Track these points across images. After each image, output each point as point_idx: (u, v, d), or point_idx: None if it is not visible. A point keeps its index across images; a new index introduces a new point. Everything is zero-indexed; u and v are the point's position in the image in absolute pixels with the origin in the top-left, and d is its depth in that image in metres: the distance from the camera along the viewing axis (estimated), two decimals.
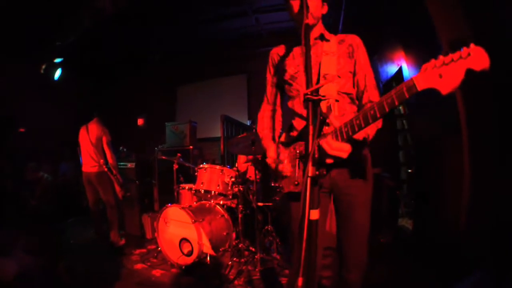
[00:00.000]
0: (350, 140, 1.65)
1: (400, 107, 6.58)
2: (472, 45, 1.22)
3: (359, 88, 2.10)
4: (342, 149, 1.63)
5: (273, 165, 2.18)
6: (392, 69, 5.96)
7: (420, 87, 1.33)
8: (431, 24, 3.61)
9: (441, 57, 1.28)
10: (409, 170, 6.29)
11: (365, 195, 2.08)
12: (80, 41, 7.41)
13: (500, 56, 2.88)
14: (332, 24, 7.51)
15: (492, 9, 3.03)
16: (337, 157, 1.65)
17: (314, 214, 1.25)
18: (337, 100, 2.02)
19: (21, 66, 7.41)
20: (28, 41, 7.24)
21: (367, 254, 2.09)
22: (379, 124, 1.93)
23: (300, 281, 1.19)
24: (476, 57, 1.21)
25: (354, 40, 2.13)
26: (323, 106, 1.80)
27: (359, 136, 1.75)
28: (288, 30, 8.14)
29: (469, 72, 1.23)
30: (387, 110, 1.45)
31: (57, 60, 8.01)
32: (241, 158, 6.05)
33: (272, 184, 2.22)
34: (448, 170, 3.74)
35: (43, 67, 7.95)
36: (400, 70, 5.49)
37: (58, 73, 8.27)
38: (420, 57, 4.67)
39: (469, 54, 1.22)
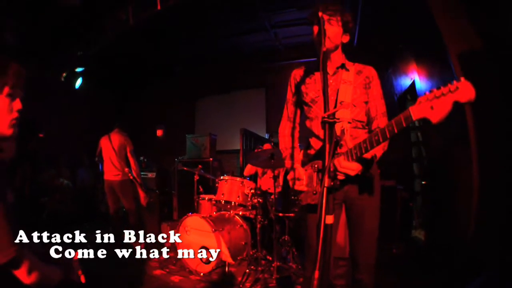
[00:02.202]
0: (359, 160, 1.89)
1: None
2: (462, 79, 1.41)
3: (370, 115, 2.32)
4: (350, 168, 1.88)
5: (293, 184, 2.36)
6: (406, 82, 6.04)
7: (415, 117, 1.57)
8: (441, 36, 3.70)
9: (434, 90, 1.49)
10: (423, 182, 6.34)
11: (374, 205, 2.29)
12: (102, 51, 7.55)
13: (509, 65, 2.98)
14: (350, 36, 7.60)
15: (500, 19, 3.11)
16: (346, 174, 1.92)
17: (329, 219, 1.43)
18: (349, 122, 2.22)
19: (42, 73, 7.56)
20: (50, 49, 7.44)
21: (375, 256, 2.29)
22: (385, 146, 2.14)
23: (316, 273, 1.37)
24: (463, 91, 1.41)
25: (371, 72, 2.34)
26: (338, 129, 2.06)
27: (367, 156, 1.95)
28: (305, 44, 8.22)
29: (456, 104, 1.43)
30: (388, 136, 1.69)
31: (78, 69, 8.19)
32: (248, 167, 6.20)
33: (292, 198, 2.39)
34: (461, 182, 3.78)
35: (64, 75, 8.13)
36: (413, 83, 5.58)
37: (79, 82, 8.46)
38: (431, 70, 4.77)
39: (457, 88, 1.42)
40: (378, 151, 2.09)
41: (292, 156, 2.54)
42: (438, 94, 1.47)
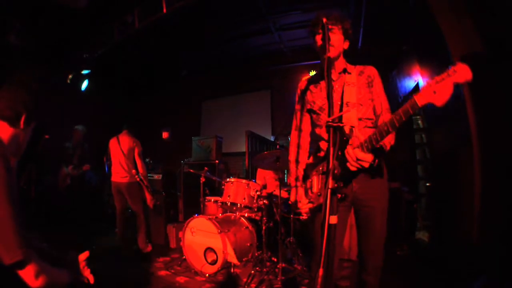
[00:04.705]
0: (370, 152, 1.95)
1: (419, 121, 6.70)
2: (458, 63, 1.52)
3: (376, 112, 2.37)
4: (364, 158, 1.93)
5: (293, 205, 2.48)
6: (410, 84, 6.06)
7: (420, 103, 1.66)
8: (444, 39, 3.74)
9: (435, 77, 1.59)
10: (428, 184, 6.35)
11: (382, 206, 2.33)
12: (108, 54, 7.57)
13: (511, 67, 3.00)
14: (351, 41, 7.62)
15: (502, 22, 3.14)
16: (360, 165, 1.96)
17: (333, 219, 1.49)
18: (360, 119, 2.30)
19: (48, 75, 7.59)
20: (56, 51, 7.46)
21: (382, 258, 2.33)
22: (392, 140, 2.18)
23: (321, 271, 1.42)
24: (460, 73, 1.51)
25: (371, 71, 2.42)
26: (347, 129, 2.09)
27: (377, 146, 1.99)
28: (310, 47, 8.16)
29: (456, 85, 1.54)
30: (397, 125, 1.78)
31: (85, 71, 8.21)
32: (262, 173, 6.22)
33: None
34: (465, 184, 3.77)
35: (70, 77, 8.14)
36: (417, 85, 5.59)
37: (85, 84, 8.45)
38: (434, 72, 4.73)
39: (455, 71, 1.52)
40: (385, 144, 2.13)
41: (296, 173, 2.63)
42: (439, 80, 1.58)
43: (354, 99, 2.30)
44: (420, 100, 1.64)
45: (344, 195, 2.03)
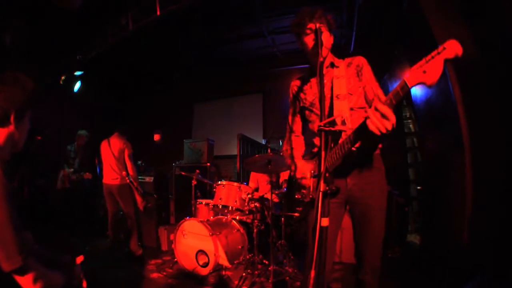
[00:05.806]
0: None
1: (411, 125, 6.74)
2: (447, 40, 1.48)
3: (368, 98, 2.33)
4: (389, 114, 1.68)
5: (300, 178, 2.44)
6: None
7: (410, 84, 1.60)
8: (436, 43, 3.74)
9: (423, 58, 1.54)
10: (419, 187, 6.39)
11: (380, 204, 2.29)
12: (101, 55, 7.55)
13: (503, 72, 3.02)
14: (344, 44, 7.68)
15: (494, 26, 3.16)
16: (383, 127, 1.69)
17: (325, 222, 1.48)
18: (351, 109, 2.27)
19: (41, 75, 7.55)
20: (50, 52, 7.44)
21: (380, 258, 2.28)
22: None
23: (312, 273, 1.42)
24: (450, 49, 1.46)
25: (360, 60, 2.41)
26: (338, 120, 2.06)
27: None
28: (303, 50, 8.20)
29: (446, 61, 1.49)
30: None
31: (77, 73, 8.18)
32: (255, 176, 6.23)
33: (296, 197, 2.43)
34: (456, 187, 3.79)
35: (63, 78, 8.11)
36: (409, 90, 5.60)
37: (77, 86, 8.37)
38: None
39: (444, 48, 1.47)
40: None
41: (292, 155, 2.65)
42: (428, 59, 1.52)
43: (344, 90, 2.29)
44: (410, 81, 1.58)
45: (336, 189, 2.02)
